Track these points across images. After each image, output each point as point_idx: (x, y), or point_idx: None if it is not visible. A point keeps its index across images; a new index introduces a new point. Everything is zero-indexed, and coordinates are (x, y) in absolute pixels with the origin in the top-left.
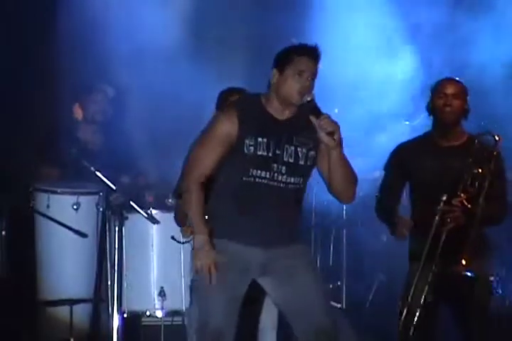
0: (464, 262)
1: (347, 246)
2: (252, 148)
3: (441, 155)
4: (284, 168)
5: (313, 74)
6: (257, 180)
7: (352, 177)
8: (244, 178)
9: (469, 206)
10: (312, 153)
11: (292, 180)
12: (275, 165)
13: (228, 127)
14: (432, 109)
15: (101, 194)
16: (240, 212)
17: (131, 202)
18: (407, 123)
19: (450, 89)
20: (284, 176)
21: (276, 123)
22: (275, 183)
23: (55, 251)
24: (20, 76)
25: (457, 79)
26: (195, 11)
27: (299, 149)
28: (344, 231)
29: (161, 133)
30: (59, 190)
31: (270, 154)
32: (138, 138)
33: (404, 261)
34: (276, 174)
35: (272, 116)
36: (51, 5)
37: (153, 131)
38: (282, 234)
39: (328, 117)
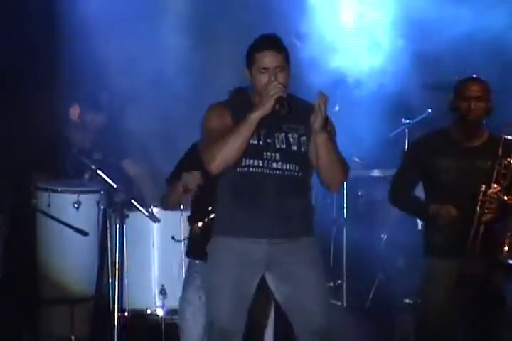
0: (506, 249)
1: (347, 246)
2: None
3: (464, 155)
4: (277, 154)
5: (280, 66)
6: (251, 169)
7: (339, 165)
8: (238, 169)
9: (504, 197)
10: (304, 138)
11: (288, 166)
12: (267, 153)
13: (222, 119)
14: (455, 108)
15: (102, 192)
16: (240, 203)
17: (132, 201)
18: (408, 121)
19: (474, 92)
20: (279, 163)
21: None
22: (271, 171)
23: (56, 249)
24: (20, 76)
25: (481, 78)
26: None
27: (289, 135)
28: (344, 230)
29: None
30: (60, 189)
31: (261, 142)
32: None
33: (404, 260)
34: (269, 162)
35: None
36: (54, 5)
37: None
38: (286, 226)
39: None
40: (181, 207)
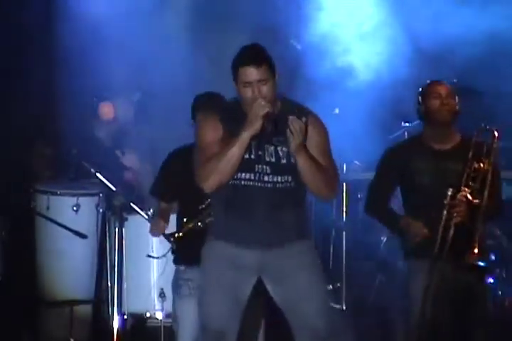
0: (476, 251)
1: (347, 247)
2: None
3: (437, 158)
4: (267, 167)
5: (262, 79)
6: (243, 182)
7: (324, 181)
8: (231, 182)
9: (473, 200)
10: None
11: (279, 178)
12: (259, 166)
13: (215, 132)
14: (425, 112)
15: (101, 195)
16: (232, 214)
17: (131, 204)
18: (407, 124)
19: (444, 90)
20: (270, 176)
21: None
22: (262, 184)
23: (54, 252)
24: (20, 76)
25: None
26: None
27: (278, 148)
28: (344, 233)
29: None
30: (59, 192)
31: (252, 156)
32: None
33: (404, 263)
34: (261, 175)
35: None
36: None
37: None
38: (280, 235)
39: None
40: None
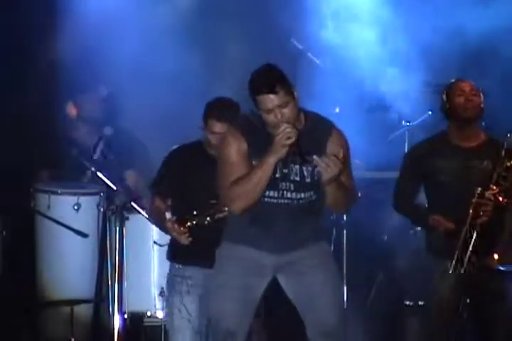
0: (496, 256)
1: (347, 247)
2: None
3: (462, 156)
4: (291, 185)
5: (281, 104)
6: (266, 199)
7: (346, 202)
8: None
9: (501, 200)
10: (318, 169)
11: (302, 195)
12: (283, 184)
13: (239, 151)
14: (450, 109)
15: (101, 194)
16: (256, 226)
17: (132, 203)
18: (408, 124)
19: (468, 87)
20: (294, 193)
21: None
22: (285, 200)
23: (55, 251)
24: (19, 76)
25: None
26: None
27: (304, 168)
28: (344, 231)
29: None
30: (59, 191)
31: (278, 175)
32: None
33: (405, 261)
34: (284, 192)
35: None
36: (52, 6)
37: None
38: (300, 241)
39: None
40: None
